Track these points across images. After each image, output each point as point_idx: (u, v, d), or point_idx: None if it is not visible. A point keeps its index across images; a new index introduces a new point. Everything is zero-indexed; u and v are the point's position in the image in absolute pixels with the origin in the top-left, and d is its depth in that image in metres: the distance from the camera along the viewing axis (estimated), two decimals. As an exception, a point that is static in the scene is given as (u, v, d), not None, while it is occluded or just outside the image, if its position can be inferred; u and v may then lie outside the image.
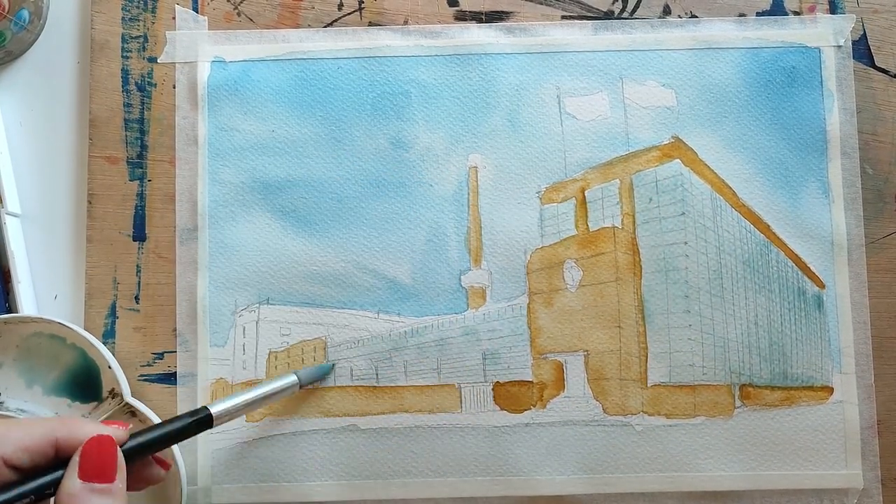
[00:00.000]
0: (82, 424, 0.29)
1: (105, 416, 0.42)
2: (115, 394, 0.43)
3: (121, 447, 0.30)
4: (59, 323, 0.42)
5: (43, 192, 0.46)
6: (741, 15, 0.46)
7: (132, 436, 0.31)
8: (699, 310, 0.43)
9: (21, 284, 0.44)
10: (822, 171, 0.44)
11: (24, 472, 0.28)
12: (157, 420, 0.42)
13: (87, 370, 0.43)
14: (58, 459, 0.29)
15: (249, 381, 0.44)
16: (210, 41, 0.46)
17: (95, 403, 0.43)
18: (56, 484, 0.28)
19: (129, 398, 0.42)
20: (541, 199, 0.45)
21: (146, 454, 0.31)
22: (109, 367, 0.42)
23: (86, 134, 0.46)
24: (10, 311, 0.45)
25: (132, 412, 0.42)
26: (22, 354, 0.43)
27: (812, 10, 0.46)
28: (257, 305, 0.44)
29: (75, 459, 0.28)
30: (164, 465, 0.34)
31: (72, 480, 0.28)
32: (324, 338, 0.44)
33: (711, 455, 0.43)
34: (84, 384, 0.43)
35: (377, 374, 0.44)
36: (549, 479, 0.43)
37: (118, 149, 0.45)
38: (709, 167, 0.44)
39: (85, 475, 0.28)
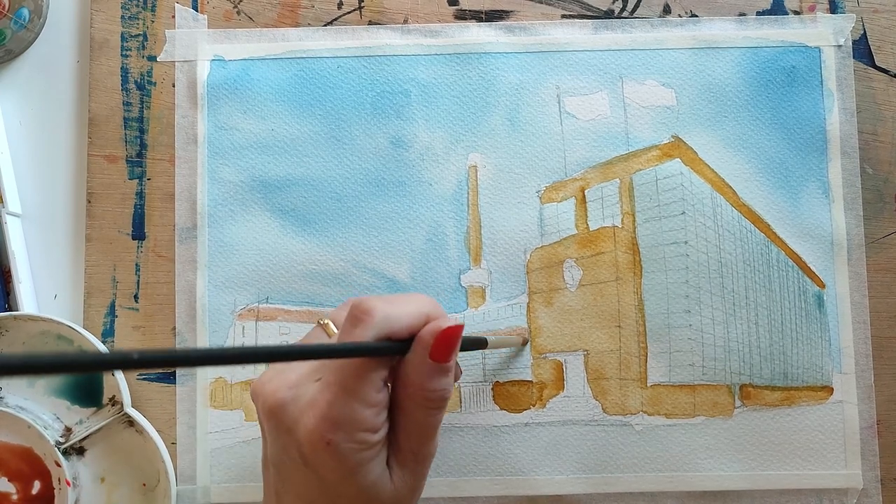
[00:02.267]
0: (441, 309, 0.33)
1: (103, 424, 0.42)
2: (115, 402, 0.43)
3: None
4: (68, 325, 0.43)
5: (42, 191, 0.46)
6: (741, 14, 0.46)
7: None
8: (699, 309, 0.43)
9: (21, 284, 0.44)
10: (822, 170, 0.44)
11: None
12: (153, 432, 0.42)
13: (90, 375, 0.43)
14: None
15: (249, 381, 0.44)
16: (209, 40, 0.46)
17: (95, 409, 0.43)
18: (398, 350, 0.31)
19: (128, 408, 0.42)
20: (540, 198, 0.45)
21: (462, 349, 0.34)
22: (112, 374, 0.42)
23: (85, 133, 0.46)
24: (10, 310, 0.45)
25: (130, 422, 0.42)
26: (27, 351, 0.43)
27: (812, 9, 0.46)
28: (256, 304, 0.44)
29: (427, 340, 0.31)
30: (459, 372, 0.39)
31: (422, 358, 0.31)
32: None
33: (711, 455, 0.43)
34: (86, 389, 0.43)
35: (376, 374, 0.44)
36: (549, 478, 0.43)
37: (117, 147, 0.45)
38: (709, 166, 0.44)
39: (437, 355, 0.31)
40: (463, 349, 0.33)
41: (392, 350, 0.31)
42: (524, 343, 0.43)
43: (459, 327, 0.31)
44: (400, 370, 0.32)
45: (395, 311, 0.31)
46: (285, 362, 0.32)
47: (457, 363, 0.36)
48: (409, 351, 0.31)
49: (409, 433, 0.32)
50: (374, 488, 0.31)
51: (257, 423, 0.43)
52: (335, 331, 0.34)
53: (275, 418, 0.31)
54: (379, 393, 0.30)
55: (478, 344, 0.37)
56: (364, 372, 0.30)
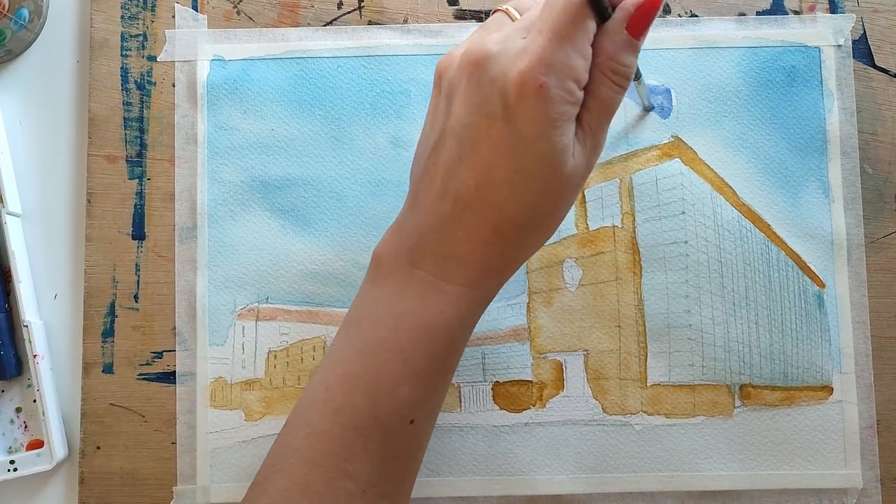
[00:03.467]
0: None
1: None
2: None
3: None
4: None
5: (42, 191, 0.46)
6: (741, 14, 0.46)
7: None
8: (699, 309, 0.43)
9: (21, 284, 0.44)
10: (822, 170, 0.44)
11: None
12: None
13: None
14: None
15: (249, 381, 0.44)
16: (209, 40, 0.46)
17: None
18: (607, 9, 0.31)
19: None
20: (540, 198, 0.44)
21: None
22: None
23: (85, 133, 0.46)
24: (10, 310, 0.45)
25: None
26: None
27: (812, 9, 0.46)
28: (256, 304, 0.44)
29: (628, 7, 0.31)
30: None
31: (621, 26, 0.31)
32: (323, 337, 0.44)
33: (711, 455, 0.43)
34: None
35: (376, 374, 0.44)
36: (549, 478, 0.43)
37: (117, 147, 0.45)
38: (708, 166, 0.44)
39: (631, 28, 0.31)
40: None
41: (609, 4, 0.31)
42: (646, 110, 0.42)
43: (658, 2, 0.31)
44: (596, 40, 0.31)
45: None
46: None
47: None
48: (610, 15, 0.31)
49: (592, 110, 0.31)
50: (562, 154, 0.30)
51: (257, 423, 0.43)
52: (517, 15, 0.33)
53: (480, 70, 0.30)
54: (589, 46, 0.30)
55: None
56: (580, 19, 0.29)
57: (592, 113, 0.31)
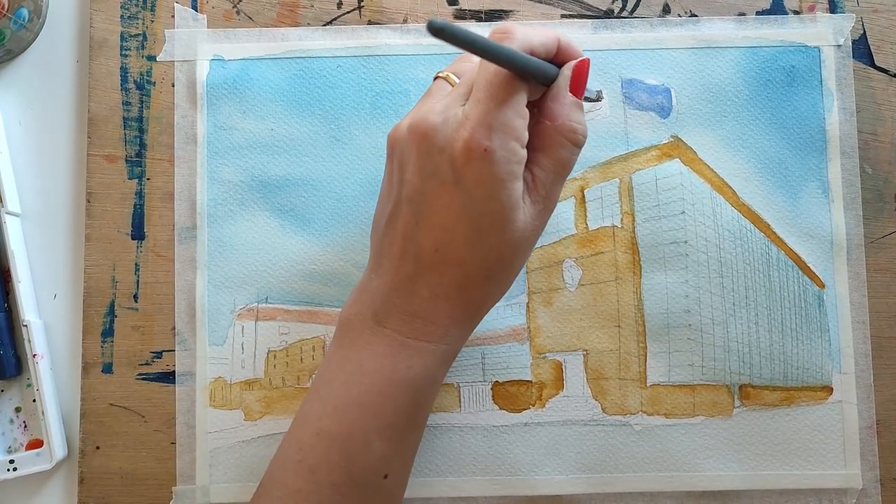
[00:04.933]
0: (568, 38, 0.35)
1: None
2: None
3: None
4: None
5: (42, 190, 0.46)
6: (741, 14, 0.46)
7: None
8: (699, 309, 0.43)
9: (21, 284, 0.44)
10: (822, 170, 0.44)
11: None
12: None
13: None
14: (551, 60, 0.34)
15: (248, 381, 0.44)
16: (209, 39, 0.46)
17: None
18: (544, 73, 0.33)
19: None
20: (540, 198, 0.44)
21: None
22: None
23: (85, 132, 0.46)
24: (9, 310, 0.45)
25: None
26: None
27: (812, 9, 0.46)
28: (256, 304, 0.44)
29: (567, 73, 0.34)
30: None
31: (565, 92, 0.34)
32: (322, 337, 0.44)
33: (710, 455, 0.43)
34: None
35: (376, 374, 0.44)
36: (548, 478, 0.43)
37: (117, 147, 0.45)
38: (708, 166, 0.44)
39: (573, 89, 0.34)
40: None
41: (545, 71, 0.33)
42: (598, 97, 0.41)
43: (588, 61, 0.34)
44: (545, 105, 0.34)
45: (532, 31, 0.33)
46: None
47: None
48: (554, 78, 0.34)
49: (547, 169, 0.33)
50: (511, 211, 0.32)
51: (257, 423, 0.43)
52: (456, 80, 0.35)
53: (427, 141, 0.32)
54: (524, 106, 0.32)
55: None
56: (514, 83, 0.31)
57: (548, 173, 0.34)
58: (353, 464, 0.34)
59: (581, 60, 0.34)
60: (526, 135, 0.32)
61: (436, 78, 0.36)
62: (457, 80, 0.35)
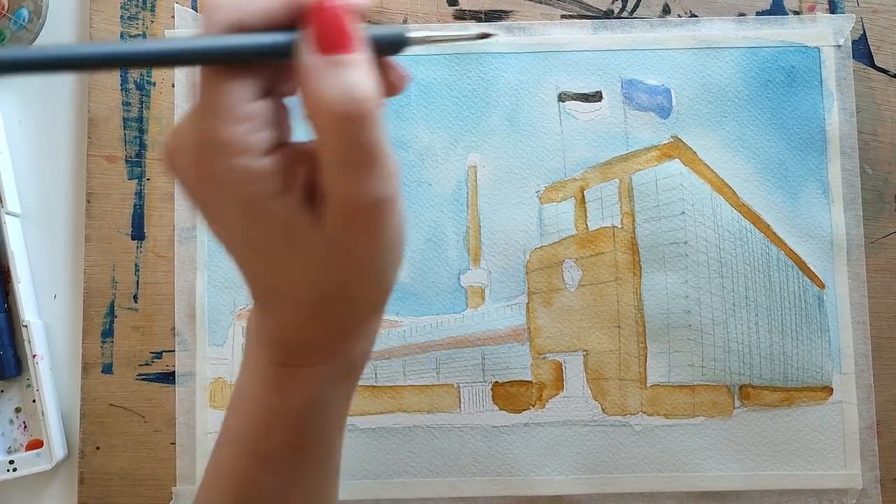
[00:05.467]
0: None
1: None
2: None
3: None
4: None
5: (42, 191, 0.46)
6: (741, 14, 0.46)
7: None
8: (699, 310, 0.43)
9: (21, 284, 0.44)
10: (822, 170, 0.44)
11: None
12: None
13: None
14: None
15: (248, 381, 0.44)
16: (209, 40, 0.45)
17: None
18: (278, 44, 0.24)
19: None
20: (540, 198, 0.44)
21: (386, 51, 0.27)
22: None
23: (84, 133, 0.46)
24: (9, 310, 0.45)
25: None
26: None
27: (812, 9, 0.46)
28: (256, 305, 0.44)
29: (310, 32, 0.24)
30: (403, 76, 0.29)
31: (308, 58, 0.23)
32: (323, 337, 0.44)
33: (710, 455, 0.43)
34: None
35: (376, 374, 0.44)
36: (548, 478, 0.43)
37: (117, 147, 0.45)
38: (708, 167, 0.44)
39: (323, 47, 0.24)
40: (381, 50, 0.26)
41: (240, 49, 0.23)
42: (483, 36, 0.31)
43: (338, 6, 0.24)
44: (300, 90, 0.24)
45: None
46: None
47: (396, 68, 0.28)
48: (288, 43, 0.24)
49: (328, 166, 0.24)
50: (287, 230, 0.25)
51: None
52: None
53: (173, 172, 0.25)
54: (248, 104, 0.23)
55: (397, 42, 0.28)
56: (215, 80, 0.23)
57: (331, 171, 0.24)
58: (244, 500, 0.30)
59: (324, 4, 0.24)
60: (256, 139, 0.24)
61: None
62: None
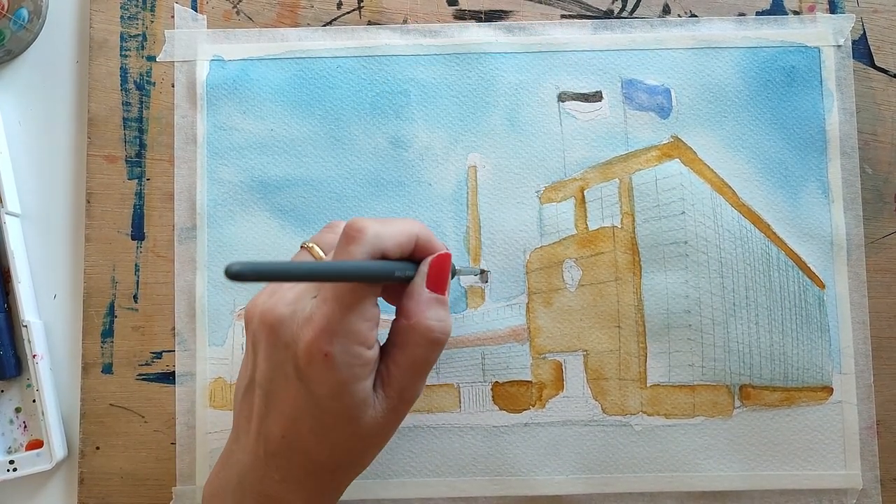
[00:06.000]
0: (430, 232, 0.34)
1: None
2: None
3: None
4: None
5: (41, 191, 0.46)
6: (741, 14, 0.46)
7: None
8: (699, 309, 0.43)
9: (21, 284, 0.44)
10: (822, 170, 0.44)
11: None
12: None
13: None
14: (409, 255, 0.34)
15: (248, 381, 0.44)
16: (209, 40, 0.46)
17: None
18: (407, 274, 0.33)
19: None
20: (540, 198, 0.44)
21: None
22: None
23: (84, 133, 0.46)
24: (9, 310, 0.45)
25: None
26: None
27: (812, 9, 0.46)
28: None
29: (424, 270, 0.34)
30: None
31: (421, 289, 0.33)
32: (322, 337, 0.44)
33: (711, 455, 0.43)
34: None
35: (376, 374, 0.44)
36: (548, 478, 0.43)
37: (117, 148, 0.45)
38: (708, 167, 0.44)
39: (431, 285, 0.33)
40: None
41: (395, 274, 0.32)
42: (482, 273, 0.44)
43: (447, 255, 0.34)
44: (401, 302, 0.34)
45: (386, 230, 0.32)
46: (299, 282, 0.33)
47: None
48: (412, 275, 0.33)
49: (403, 367, 0.33)
50: (357, 409, 0.32)
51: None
52: (321, 254, 0.35)
53: (274, 334, 0.32)
54: (374, 308, 0.32)
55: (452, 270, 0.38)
56: (360, 286, 0.31)
57: (403, 370, 0.33)
58: None
59: (439, 256, 0.34)
60: (372, 337, 0.32)
61: (302, 247, 0.35)
62: (321, 254, 0.35)
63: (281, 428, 0.32)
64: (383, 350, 0.34)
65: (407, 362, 0.33)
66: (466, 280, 0.44)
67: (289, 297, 0.32)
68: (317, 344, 0.31)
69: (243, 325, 0.35)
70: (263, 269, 0.27)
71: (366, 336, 0.31)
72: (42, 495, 0.45)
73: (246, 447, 0.34)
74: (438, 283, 0.34)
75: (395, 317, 0.34)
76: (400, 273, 0.33)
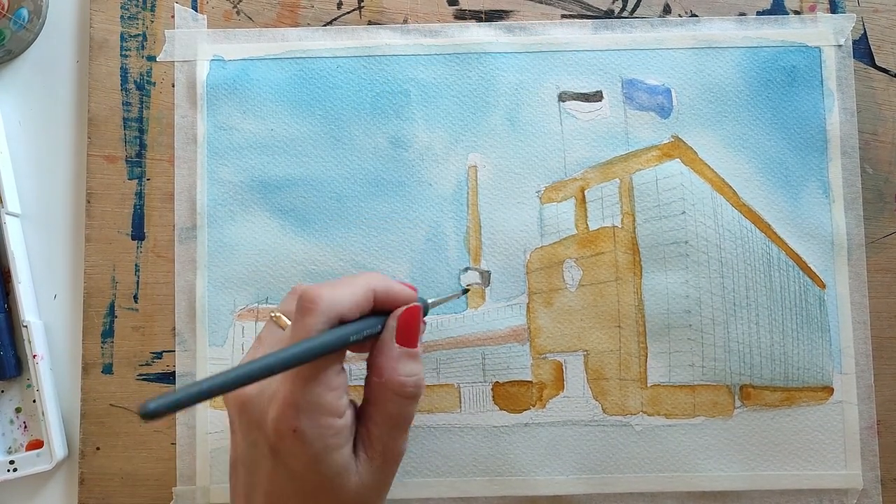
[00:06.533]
0: (388, 281, 0.34)
1: None
2: None
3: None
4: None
5: (42, 191, 0.46)
6: (741, 14, 0.46)
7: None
8: (699, 309, 0.43)
9: (21, 284, 0.44)
10: (823, 170, 0.44)
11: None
12: None
13: None
14: (370, 310, 0.33)
15: (248, 381, 0.44)
16: (209, 40, 0.46)
17: None
18: (366, 333, 0.33)
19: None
20: (540, 198, 0.44)
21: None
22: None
23: (85, 133, 0.46)
24: (9, 310, 0.45)
25: None
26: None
27: (812, 9, 0.46)
28: (256, 304, 0.44)
29: (392, 325, 0.33)
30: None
31: (390, 345, 0.33)
32: (323, 337, 0.44)
33: (711, 455, 0.43)
34: None
35: (376, 374, 0.44)
36: (549, 479, 0.43)
37: (117, 147, 0.45)
38: (709, 166, 0.44)
39: (400, 340, 0.33)
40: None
41: (357, 336, 0.32)
42: (464, 293, 0.44)
43: (416, 308, 0.33)
44: (371, 360, 0.33)
45: (340, 293, 0.32)
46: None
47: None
48: (375, 332, 0.33)
49: (381, 425, 0.33)
50: (339, 478, 0.31)
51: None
52: (288, 322, 0.34)
53: (245, 413, 0.32)
54: (338, 376, 0.31)
55: (424, 310, 0.37)
56: (322, 359, 0.31)
57: (382, 428, 0.33)
58: None
59: (408, 310, 0.33)
60: (341, 405, 0.31)
61: (270, 318, 0.35)
62: (287, 322, 0.34)
63: (267, 502, 0.32)
64: (360, 410, 0.34)
65: (384, 420, 0.33)
66: (467, 280, 0.44)
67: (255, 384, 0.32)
68: (284, 421, 0.30)
69: (226, 403, 0.35)
70: (181, 398, 0.26)
71: (334, 406, 0.31)
72: (42, 495, 0.45)
73: None
74: (408, 336, 0.33)
75: (366, 374, 0.34)
76: (357, 337, 0.32)
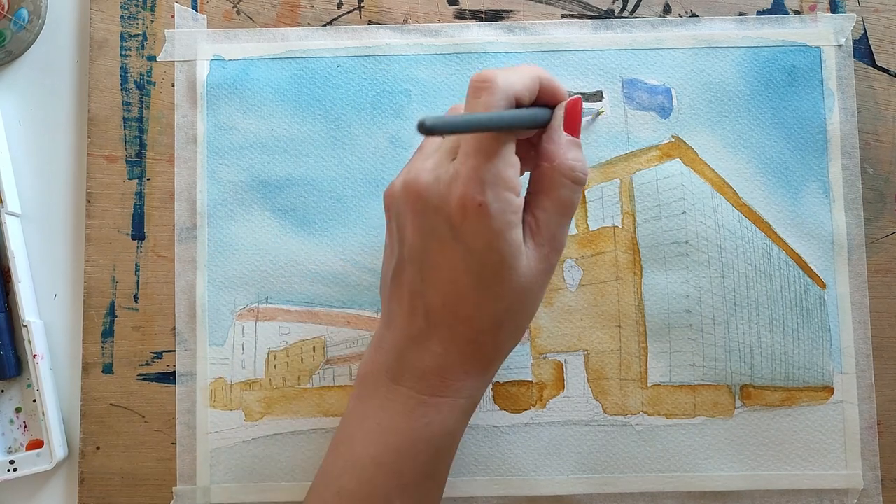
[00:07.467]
0: (550, 75, 0.35)
1: None
2: None
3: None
4: None
5: (42, 190, 0.46)
6: (742, 14, 0.46)
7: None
8: (699, 309, 0.43)
9: (21, 284, 0.44)
10: (823, 170, 0.44)
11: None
12: None
13: None
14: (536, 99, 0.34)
15: (249, 381, 0.44)
16: (209, 40, 0.46)
17: None
18: (539, 119, 0.34)
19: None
20: (540, 198, 0.44)
21: None
22: None
23: (85, 132, 0.46)
24: (9, 310, 0.45)
25: None
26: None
27: (813, 9, 0.46)
28: (256, 304, 0.44)
29: (560, 114, 0.34)
30: None
31: (560, 132, 0.34)
32: (323, 337, 0.44)
33: (711, 455, 0.43)
34: None
35: (376, 374, 0.44)
36: (549, 478, 0.43)
37: (117, 147, 0.45)
38: (709, 166, 0.44)
39: (567, 128, 0.34)
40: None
41: (536, 121, 0.34)
42: (598, 115, 0.44)
43: (579, 99, 0.35)
44: (542, 148, 0.34)
45: (513, 76, 0.32)
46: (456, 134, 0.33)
47: None
48: (548, 120, 0.34)
49: (549, 210, 0.33)
50: (514, 258, 0.32)
51: (257, 423, 0.43)
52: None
53: (421, 201, 0.33)
54: (514, 154, 0.32)
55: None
56: (501, 137, 0.31)
57: (551, 214, 0.34)
58: None
59: (573, 100, 0.34)
60: (518, 183, 0.32)
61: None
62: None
63: (441, 295, 0.33)
64: (527, 199, 0.34)
65: (553, 206, 0.33)
66: None
67: (428, 166, 0.33)
68: (469, 195, 0.31)
69: (387, 207, 0.36)
70: (450, 124, 0.28)
71: (514, 182, 0.32)
72: (42, 495, 0.45)
73: (401, 326, 0.34)
74: (573, 126, 0.34)
75: (533, 164, 0.35)
76: (531, 121, 0.33)
